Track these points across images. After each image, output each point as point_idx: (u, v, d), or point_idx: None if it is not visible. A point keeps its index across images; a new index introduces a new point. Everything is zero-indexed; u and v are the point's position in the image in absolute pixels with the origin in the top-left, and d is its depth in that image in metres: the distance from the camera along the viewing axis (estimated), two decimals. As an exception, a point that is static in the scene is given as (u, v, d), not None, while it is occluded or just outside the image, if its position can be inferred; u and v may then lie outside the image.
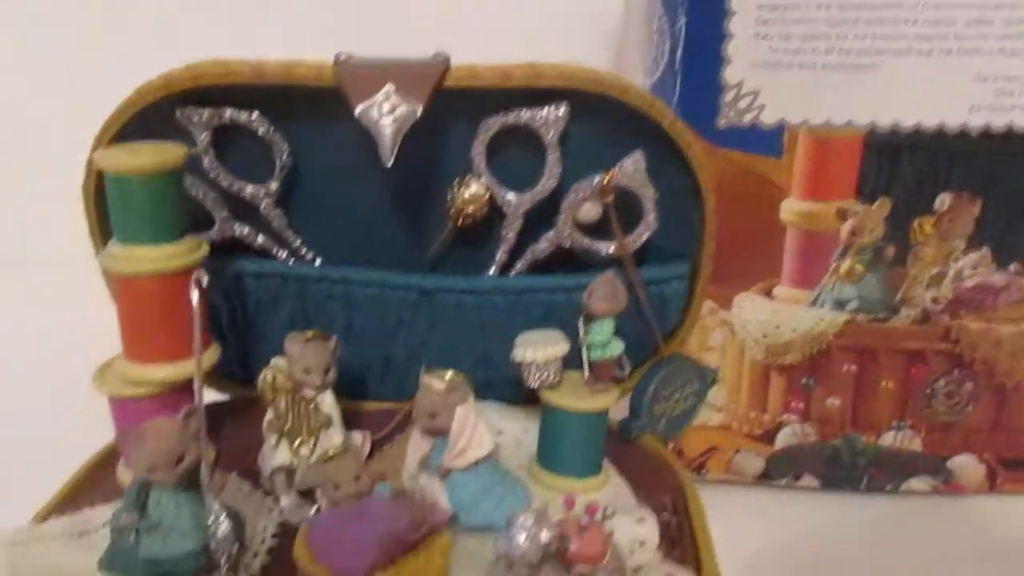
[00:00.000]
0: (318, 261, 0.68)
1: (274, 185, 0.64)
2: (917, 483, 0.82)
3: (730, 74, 0.69)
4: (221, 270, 0.68)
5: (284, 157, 0.63)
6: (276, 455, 0.60)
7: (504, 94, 0.59)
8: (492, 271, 0.67)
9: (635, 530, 0.55)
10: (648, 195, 0.62)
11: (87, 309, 0.78)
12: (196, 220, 0.64)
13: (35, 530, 0.55)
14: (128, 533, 0.49)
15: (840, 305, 0.76)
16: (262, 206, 0.65)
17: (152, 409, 0.60)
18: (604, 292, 0.59)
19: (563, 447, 0.61)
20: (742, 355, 0.79)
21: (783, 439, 0.82)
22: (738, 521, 0.58)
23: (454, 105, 0.60)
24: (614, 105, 0.59)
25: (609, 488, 0.61)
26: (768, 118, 0.71)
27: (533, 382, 0.60)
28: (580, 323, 0.60)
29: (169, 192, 0.57)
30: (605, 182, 0.61)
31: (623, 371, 0.61)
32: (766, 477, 0.83)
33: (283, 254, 0.68)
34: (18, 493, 0.56)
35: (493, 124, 0.61)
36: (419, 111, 0.56)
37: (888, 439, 0.80)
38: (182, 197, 0.59)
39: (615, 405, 0.64)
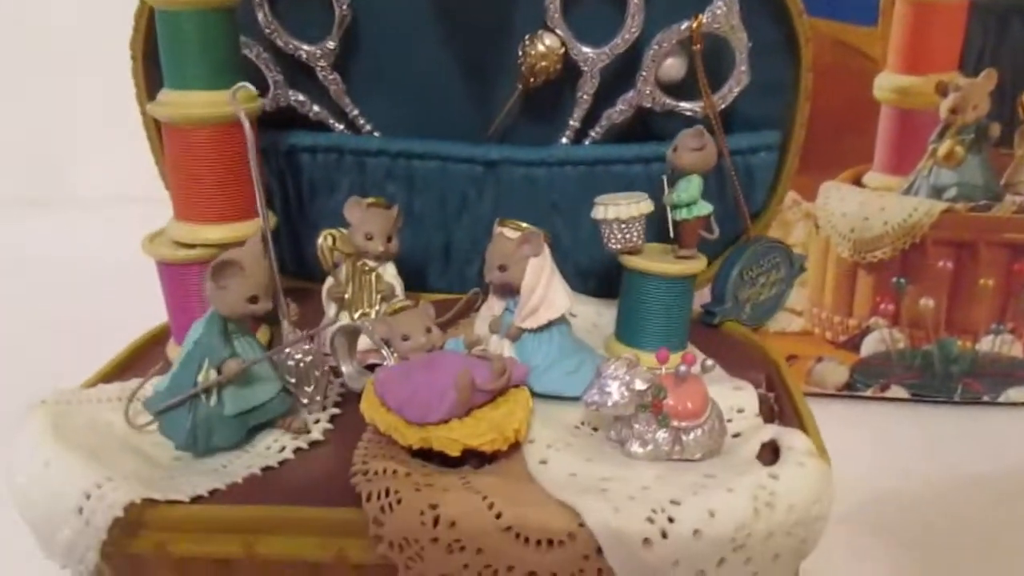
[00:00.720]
0: (377, 135, 0.64)
1: (331, 44, 0.60)
2: (1017, 393, 0.76)
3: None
4: (274, 145, 0.63)
5: (344, 7, 0.58)
6: (337, 322, 0.55)
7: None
8: (564, 140, 0.62)
9: (732, 397, 0.50)
10: (741, 41, 0.56)
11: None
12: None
13: (81, 393, 0.51)
14: (199, 396, 0.45)
15: (937, 192, 0.70)
16: (319, 68, 0.61)
17: (195, 272, 0.56)
18: (693, 143, 0.53)
19: (646, 318, 0.56)
20: (827, 252, 0.73)
21: (870, 345, 0.75)
22: (821, 434, 0.55)
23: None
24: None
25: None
26: (863, -21, 0.65)
27: (615, 243, 0.55)
28: (664, 182, 0.55)
29: (223, 31, 0.53)
30: (694, 27, 0.55)
31: (712, 234, 0.56)
32: (850, 388, 0.77)
33: (340, 126, 0.64)
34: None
35: (570, -35, 0.56)
36: (493, -63, 0.51)
37: (986, 344, 0.74)
38: (237, 40, 0.55)
39: (702, 284, 0.59)
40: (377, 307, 0.56)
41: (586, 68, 0.59)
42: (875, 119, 0.69)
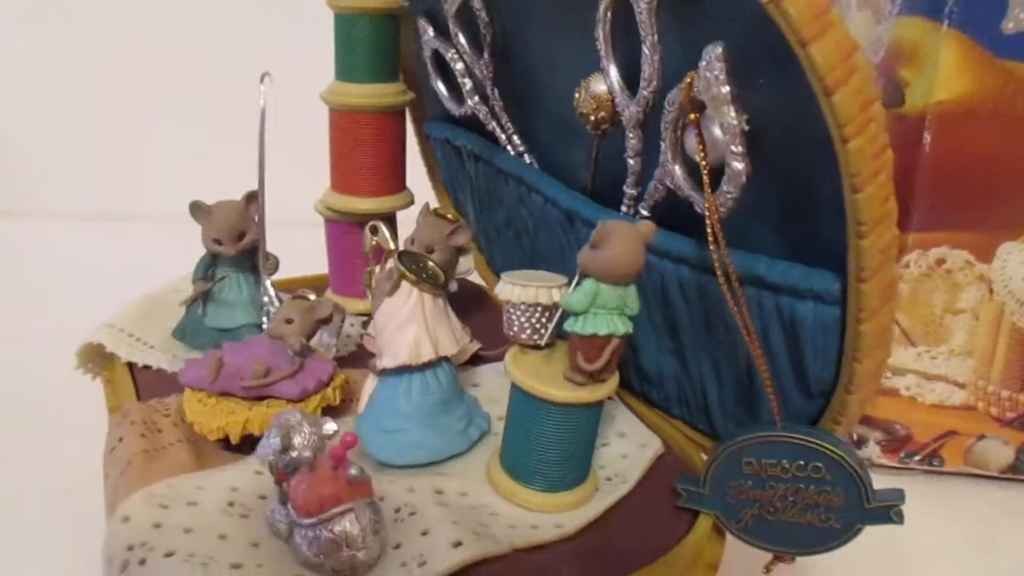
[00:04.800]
0: (527, 160, 0.62)
1: (486, 56, 0.60)
2: None
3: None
4: (466, 146, 0.68)
5: (483, 25, 0.58)
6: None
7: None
8: (624, 208, 0.50)
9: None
10: (727, 118, 0.37)
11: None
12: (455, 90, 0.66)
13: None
14: (198, 303, 0.59)
15: None
16: (486, 83, 0.62)
17: (353, 232, 0.66)
18: (596, 239, 0.40)
19: (525, 444, 0.44)
20: (999, 320, 0.63)
21: (1042, 426, 0.64)
22: (979, 521, 0.48)
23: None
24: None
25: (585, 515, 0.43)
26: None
27: (513, 331, 0.45)
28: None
29: (387, 34, 0.61)
30: (683, 88, 0.39)
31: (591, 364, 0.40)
32: (1015, 470, 0.67)
33: (504, 140, 0.64)
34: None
35: (606, -5, 0.45)
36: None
37: None
38: (398, 42, 0.62)
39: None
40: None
41: (625, 124, 0.47)
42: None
